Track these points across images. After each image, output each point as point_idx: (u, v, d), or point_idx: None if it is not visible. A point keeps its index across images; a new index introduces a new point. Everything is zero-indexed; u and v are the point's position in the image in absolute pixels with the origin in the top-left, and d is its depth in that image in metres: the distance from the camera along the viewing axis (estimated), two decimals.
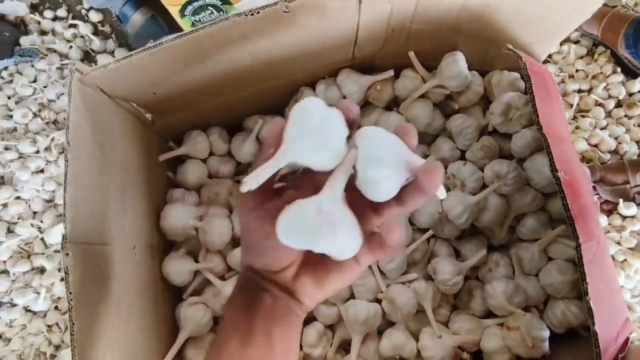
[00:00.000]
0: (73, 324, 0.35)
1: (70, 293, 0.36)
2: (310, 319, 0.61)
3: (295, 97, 0.65)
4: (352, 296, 0.58)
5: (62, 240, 0.37)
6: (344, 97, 0.63)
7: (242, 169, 0.70)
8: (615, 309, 0.46)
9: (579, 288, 0.52)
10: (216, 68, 0.50)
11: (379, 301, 0.57)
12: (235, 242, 0.61)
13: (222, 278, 0.60)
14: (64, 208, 0.38)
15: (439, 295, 0.58)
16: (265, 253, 0.30)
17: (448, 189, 0.60)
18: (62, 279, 0.87)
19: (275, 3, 0.41)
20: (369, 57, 0.61)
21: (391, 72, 0.60)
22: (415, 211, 0.58)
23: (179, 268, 0.57)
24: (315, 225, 0.26)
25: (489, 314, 0.57)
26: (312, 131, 0.27)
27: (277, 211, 0.27)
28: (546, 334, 0.51)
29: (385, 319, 0.58)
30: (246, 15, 0.41)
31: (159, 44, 0.41)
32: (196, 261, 0.59)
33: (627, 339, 0.45)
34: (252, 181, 0.27)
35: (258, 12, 0.41)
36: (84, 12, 1.08)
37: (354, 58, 0.60)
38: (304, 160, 0.27)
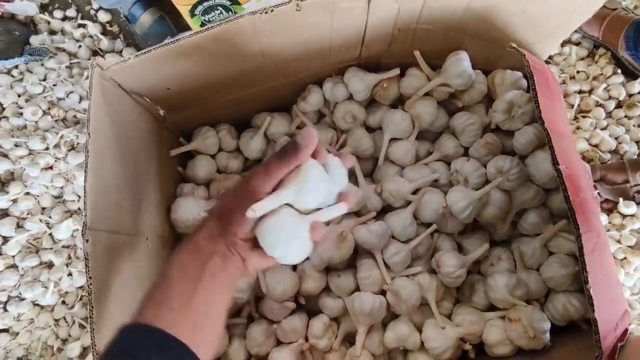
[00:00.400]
0: (92, 307, 0.37)
1: (90, 278, 0.37)
2: (316, 311, 0.63)
3: (303, 95, 0.66)
4: (357, 288, 0.60)
5: (83, 227, 0.38)
6: (351, 95, 0.64)
7: (250, 165, 0.71)
8: (614, 300, 0.47)
9: (580, 281, 0.53)
10: (228, 65, 0.52)
11: (383, 293, 0.58)
12: None
13: None
14: (84, 196, 0.39)
15: (442, 288, 0.59)
16: (242, 220, 0.34)
17: (451, 185, 0.62)
18: (69, 274, 0.89)
19: (288, 1, 0.42)
20: (375, 56, 0.62)
21: (397, 71, 0.62)
22: (420, 206, 0.59)
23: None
24: (289, 243, 0.35)
25: (491, 308, 0.58)
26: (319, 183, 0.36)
27: None
28: (547, 325, 0.52)
29: (390, 311, 0.59)
30: (260, 13, 0.42)
31: (177, 40, 0.43)
32: None
33: (626, 329, 0.47)
34: (260, 209, 0.33)
35: (272, 10, 0.42)
36: (92, 12, 1.10)
37: (360, 57, 0.62)
38: (308, 203, 0.36)
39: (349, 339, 0.62)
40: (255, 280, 0.59)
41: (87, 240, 0.38)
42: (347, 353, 0.59)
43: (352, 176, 0.66)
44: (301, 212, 0.37)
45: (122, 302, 0.43)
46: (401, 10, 0.52)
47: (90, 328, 0.37)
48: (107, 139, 0.44)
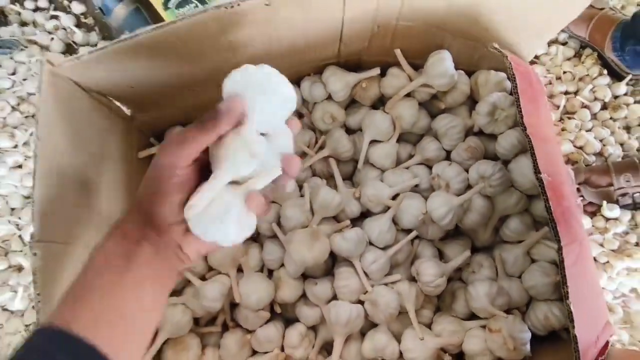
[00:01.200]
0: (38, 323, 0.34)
1: (39, 294, 0.34)
2: (292, 320, 0.60)
3: None
4: (334, 297, 0.58)
5: (31, 239, 0.35)
6: (329, 95, 0.62)
7: None
8: (595, 312, 0.46)
9: (562, 290, 0.52)
10: (197, 63, 0.49)
11: (361, 302, 0.56)
12: None
13: (203, 278, 0.58)
14: (32, 206, 0.36)
15: (422, 296, 0.57)
16: (167, 205, 0.31)
17: (432, 190, 0.60)
18: None
19: None
20: (355, 54, 0.60)
21: (377, 70, 0.59)
22: (400, 212, 0.57)
23: None
24: (224, 223, 0.31)
25: (471, 316, 0.57)
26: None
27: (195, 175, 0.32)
28: (527, 336, 0.51)
29: (368, 320, 0.57)
30: (225, 7, 0.39)
31: (135, 35, 0.40)
32: None
33: (607, 342, 0.45)
34: (198, 205, 0.30)
35: (238, 5, 0.39)
36: (66, 3, 1.06)
37: (339, 55, 0.59)
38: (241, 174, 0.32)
39: (327, 348, 0.60)
40: (229, 288, 0.57)
41: (34, 254, 0.35)
42: None
43: (330, 179, 0.63)
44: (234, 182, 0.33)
45: None
46: (380, 6, 0.49)
47: None
48: (61, 142, 0.41)
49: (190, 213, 0.30)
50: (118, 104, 0.53)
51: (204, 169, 0.33)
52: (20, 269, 0.87)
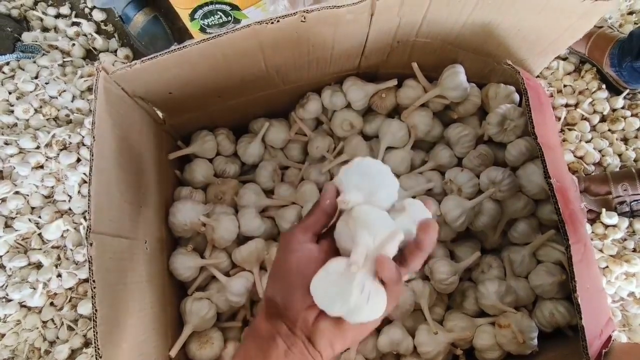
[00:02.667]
0: (96, 310, 0.37)
1: (94, 281, 0.38)
2: None
3: (302, 102, 0.68)
4: None
5: (87, 230, 0.38)
6: (349, 104, 0.66)
7: (247, 170, 0.72)
8: (599, 307, 0.50)
9: (566, 289, 0.55)
10: (231, 72, 0.53)
11: None
12: (239, 240, 0.63)
13: (227, 274, 0.61)
14: (89, 200, 0.39)
15: (435, 295, 0.61)
16: (294, 290, 0.31)
17: (445, 194, 0.64)
18: (58, 275, 0.87)
19: (294, 13, 0.43)
20: (374, 67, 0.64)
21: (395, 81, 0.63)
22: None
23: (186, 263, 0.58)
24: (347, 294, 0.29)
25: (481, 314, 0.60)
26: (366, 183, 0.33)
27: (320, 255, 0.31)
28: (535, 331, 0.54)
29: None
30: (267, 23, 0.43)
31: (183, 47, 0.44)
32: (202, 257, 0.61)
33: (610, 336, 0.49)
34: (320, 275, 0.30)
35: (278, 21, 0.43)
36: (87, 10, 1.10)
37: (360, 67, 0.63)
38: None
39: None
40: (252, 284, 0.60)
41: (90, 244, 0.38)
42: (342, 357, 0.60)
43: None
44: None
45: (124, 305, 0.43)
46: (402, 23, 0.53)
47: (94, 331, 0.37)
48: (110, 142, 0.45)
49: (313, 284, 0.29)
50: (155, 108, 0.56)
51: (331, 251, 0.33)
52: (39, 266, 0.89)
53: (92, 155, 0.40)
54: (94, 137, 0.41)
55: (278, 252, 0.33)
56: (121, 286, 0.43)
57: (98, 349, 0.36)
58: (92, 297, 0.37)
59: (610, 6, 0.46)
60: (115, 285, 0.42)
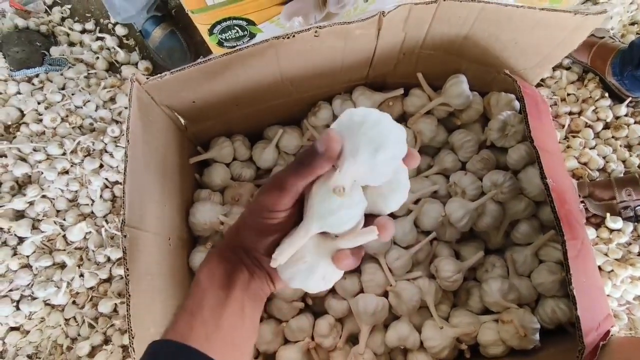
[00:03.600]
0: (129, 295, 0.41)
1: (127, 269, 0.42)
2: (322, 312, 0.67)
3: (314, 110, 0.72)
4: (361, 291, 0.64)
5: (122, 224, 0.43)
6: None
7: (262, 174, 0.76)
8: (596, 302, 0.52)
9: (567, 288, 0.58)
10: (249, 82, 0.57)
11: (385, 296, 0.63)
12: None
13: None
14: (123, 196, 0.44)
15: (440, 292, 0.64)
16: (265, 240, 0.32)
17: (450, 196, 0.67)
18: (81, 275, 0.92)
19: (308, 29, 0.48)
20: (381, 77, 0.68)
21: (401, 91, 0.67)
22: (421, 215, 0.64)
23: None
24: (300, 269, 0.32)
25: (485, 311, 0.63)
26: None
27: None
28: (537, 325, 0.56)
29: (391, 313, 0.63)
30: (283, 38, 0.48)
31: (208, 59, 0.48)
32: None
33: (608, 331, 0.51)
34: (283, 257, 0.31)
35: (294, 36, 0.48)
36: (110, 26, 1.16)
37: (368, 77, 0.68)
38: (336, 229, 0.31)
39: (352, 339, 0.66)
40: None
41: (125, 236, 0.42)
42: (351, 351, 0.62)
43: None
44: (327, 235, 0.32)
45: (152, 294, 0.47)
46: (407, 37, 0.58)
47: (127, 314, 0.41)
48: (141, 146, 0.49)
49: (274, 264, 0.31)
50: (178, 116, 0.61)
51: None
52: (63, 266, 0.94)
53: (127, 157, 0.45)
54: (128, 141, 0.45)
55: (264, 195, 0.32)
56: (149, 277, 0.47)
57: (131, 329, 0.40)
58: (125, 283, 0.41)
59: (600, 20, 0.50)
60: (145, 275, 0.46)
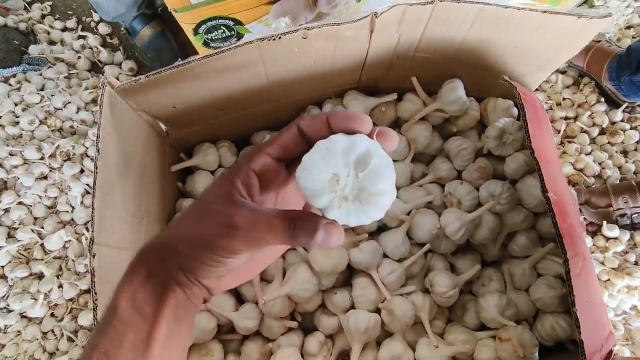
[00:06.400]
0: (97, 321, 0.37)
1: (95, 293, 0.38)
2: (311, 329, 0.63)
3: (302, 115, 0.68)
4: (352, 306, 0.61)
5: (90, 242, 0.39)
6: None
7: None
8: (599, 321, 0.50)
9: (567, 303, 0.55)
10: (234, 86, 0.54)
11: (378, 312, 0.60)
12: None
13: None
14: (92, 212, 0.40)
15: (435, 308, 0.61)
16: (215, 256, 0.25)
17: (445, 207, 0.64)
18: (59, 286, 0.88)
19: (296, 30, 0.44)
20: (374, 80, 0.65)
21: (394, 95, 0.64)
22: (415, 226, 0.61)
23: None
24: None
25: (482, 327, 0.60)
26: None
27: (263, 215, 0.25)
28: (536, 344, 0.54)
29: (383, 329, 0.60)
30: (269, 40, 0.45)
31: (187, 62, 0.45)
32: None
33: (611, 351, 0.49)
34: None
35: (280, 37, 0.45)
36: (93, 24, 1.12)
37: (360, 81, 0.64)
38: None
39: (344, 357, 0.63)
40: (253, 297, 0.60)
41: (93, 256, 0.39)
42: None
43: None
44: None
45: None
46: (401, 39, 0.55)
47: None
48: (114, 155, 0.45)
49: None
50: (158, 121, 0.57)
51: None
52: (40, 277, 0.89)
53: (97, 169, 0.41)
54: (98, 151, 0.42)
55: (214, 185, 0.27)
56: None
57: None
58: (93, 308, 0.38)
59: (604, 24, 0.47)
60: None
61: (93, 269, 0.38)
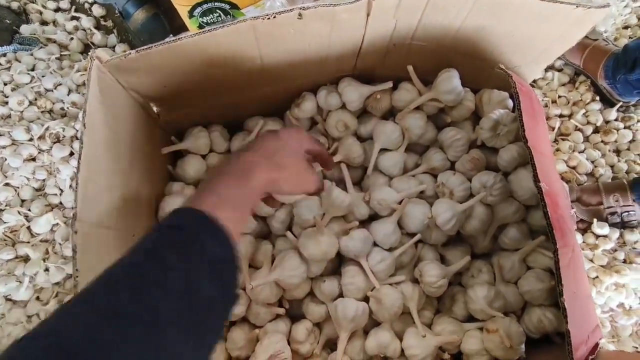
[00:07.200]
0: None
1: (77, 270, 0.37)
2: (299, 316, 0.63)
3: (297, 102, 0.68)
4: (341, 294, 0.60)
5: (72, 218, 0.38)
6: (344, 104, 0.66)
7: None
8: (586, 314, 0.50)
9: (555, 296, 0.55)
10: (227, 68, 0.53)
11: (366, 300, 0.59)
12: None
13: None
14: (75, 187, 0.39)
15: (424, 298, 0.61)
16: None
17: (437, 197, 0.64)
18: (46, 269, 0.86)
19: (291, 9, 0.44)
20: (369, 68, 0.64)
21: (390, 84, 0.64)
22: (406, 216, 0.61)
23: None
24: None
25: (470, 318, 0.60)
26: None
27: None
28: (523, 336, 0.54)
29: (371, 318, 0.60)
30: (262, 19, 0.44)
31: (178, 39, 0.43)
32: None
33: (597, 343, 0.49)
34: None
35: (274, 17, 0.44)
36: (87, 5, 1.10)
37: (355, 68, 0.64)
38: None
39: (331, 345, 0.63)
40: (241, 282, 0.59)
41: (75, 232, 0.38)
42: (329, 358, 0.59)
43: (340, 183, 0.67)
44: None
45: None
46: (398, 25, 0.54)
47: None
48: (101, 132, 0.44)
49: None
50: (150, 103, 0.56)
51: None
52: (26, 259, 0.88)
53: (82, 143, 0.40)
54: (84, 125, 0.40)
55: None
56: None
57: None
58: (74, 286, 0.37)
59: (602, 14, 0.47)
60: None
61: (75, 245, 0.37)
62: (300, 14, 0.44)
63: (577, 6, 0.46)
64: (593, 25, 0.50)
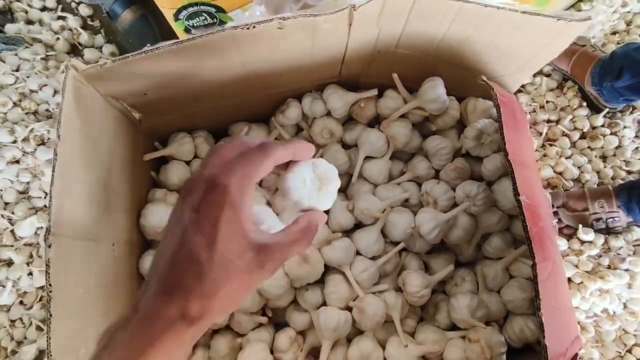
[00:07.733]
0: (50, 315, 0.36)
1: (50, 285, 0.36)
2: (283, 325, 0.63)
3: (282, 108, 0.67)
4: (324, 303, 0.60)
5: (46, 232, 0.37)
6: (329, 112, 0.65)
7: None
8: (566, 326, 0.50)
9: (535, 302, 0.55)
10: (209, 75, 0.52)
11: (349, 309, 0.59)
12: None
13: None
14: (50, 200, 0.38)
15: (407, 306, 0.61)
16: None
17: (421, 206, 0.64)
18: (29, 273, 0.86)
19: (270, 19, 0.43)
20: (354, 76, 0.64)
21: (375, 91, 0.63)
22: (390, 225, 0.61)
23: None
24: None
25: (452, 327, 0.60)
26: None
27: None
28: (504, 347, 0.54)
29: (354, 327, 0.60)
30: (242, 28, 0.43)
31: (156, 48, 0.43)
32: None
33: (576, 354, 0.49)
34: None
35: (254, 27, 0.43)
36: (74, 5, 1.08)
37: (340, 75, 0.63)
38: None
39: (314, 353, 0.63)
40: None
41: (49, 246, 0.37)
42: None
43: None
44: None
45: (84, 310, 0.42)
46: (381, 34, 0.53)
47: (47, 337, 0.36)
48: (78, 142, 0.44)
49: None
50: (130, 109, 0.55)
51: None
52: (10, 263, 0.87)
53: (56, 155, 0.39)
54: (59, 137, 0.40)
55: (220, 205, 0.25)
56: (81, 290, 0.42)
57: (50, 354, 0.35)
58: (47, 301, 0.36)
59: (583, 27, 0.47)
60: (75, 289, 0.41)
61: (49, 259, 0.37)
62: (280, 25, 0.44)
63: (558, 19, 0.46)
64: (575, 37, 0.50)
